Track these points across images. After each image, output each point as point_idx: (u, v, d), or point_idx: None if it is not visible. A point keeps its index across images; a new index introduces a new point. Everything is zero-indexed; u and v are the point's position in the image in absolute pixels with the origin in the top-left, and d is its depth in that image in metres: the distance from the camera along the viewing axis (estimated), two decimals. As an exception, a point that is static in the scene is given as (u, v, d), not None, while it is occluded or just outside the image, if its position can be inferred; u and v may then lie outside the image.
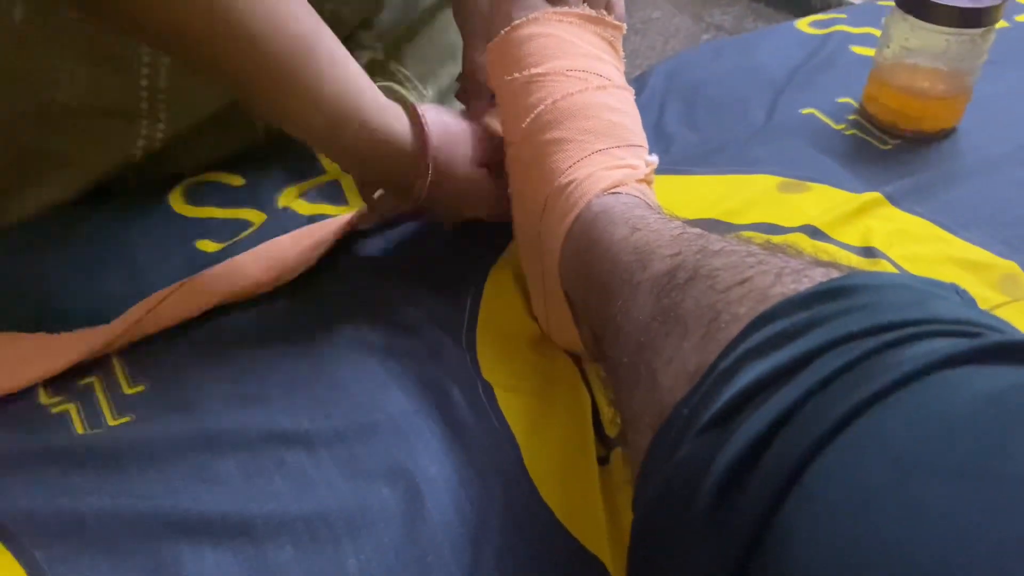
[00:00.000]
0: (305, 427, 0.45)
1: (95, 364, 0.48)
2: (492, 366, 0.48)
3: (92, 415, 0.46)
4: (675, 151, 0.65)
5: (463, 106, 0.69)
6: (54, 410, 0.46)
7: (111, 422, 0.45)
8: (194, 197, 0.60)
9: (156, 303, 0.49)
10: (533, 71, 0.49)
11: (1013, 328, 0.28)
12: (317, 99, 0.45)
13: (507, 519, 0.41)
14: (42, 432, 0.45)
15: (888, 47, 0.65)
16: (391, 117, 0.49)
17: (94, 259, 0.55)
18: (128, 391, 0.47)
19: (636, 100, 0.52)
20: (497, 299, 0.53)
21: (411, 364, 0.48)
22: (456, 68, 0.73)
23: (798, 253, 0.35)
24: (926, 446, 0.23)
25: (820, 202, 0.60)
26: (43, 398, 0.46)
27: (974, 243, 0.57)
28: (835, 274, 0.31)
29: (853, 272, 0.31)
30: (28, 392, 0.47)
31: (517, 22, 0.50)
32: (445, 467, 0.43)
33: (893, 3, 0.64)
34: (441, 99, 0.72)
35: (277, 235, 0.55)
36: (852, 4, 0.87)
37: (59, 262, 0.55)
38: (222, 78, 0.45)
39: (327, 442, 0.44)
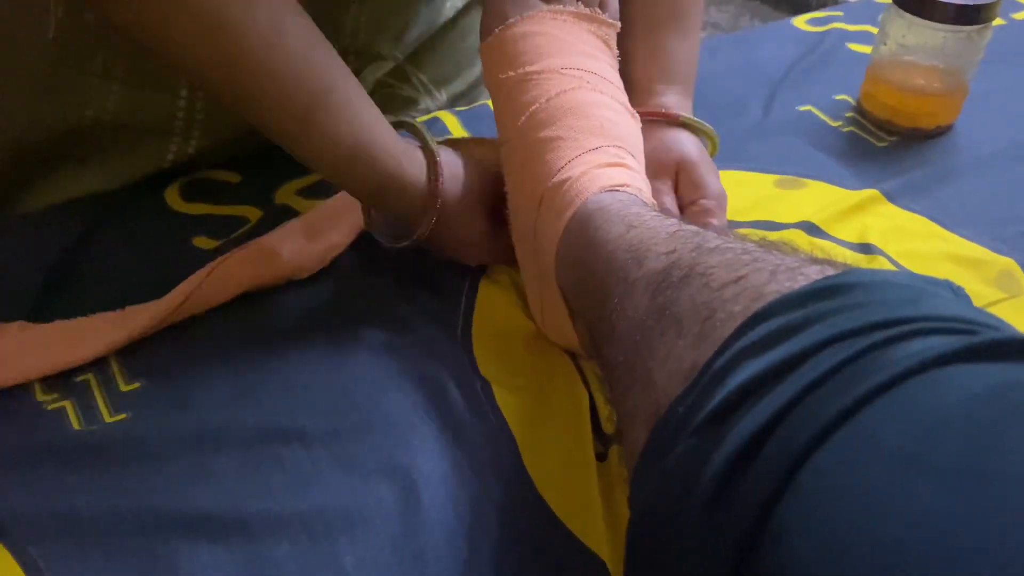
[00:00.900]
0: (302, 424, 0.45)
1: (91, 361, 0.48)
2: (489, 363, 0.48)
3: (88, 412, 0.45)
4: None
5: (466, 107, 0.69)
6: (50, 407, 0.46)
7: (107, 419, 0.45)
8: (191, 194, 0.60)
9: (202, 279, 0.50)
10: (527, 69, 0.49)
11: (1008, 325, 0.28)
12: (333, 142, 0.46)
13: (504, 516, 0.41)
14: (38, 429, 0.45)
15: (885, 44, 0.66)
16: (405, 162, 0.49)
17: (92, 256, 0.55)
18: (124, 388, 0.47)
19: (632, 98, 0.52)
20: (493, 296, 0.53)
21: (408, 361, 0.48)
22: (472, 73, 0.74)
23: (793, 251, 0.34)
24: (920, 444, 0.23)
25: (817, 199, 0.60)
26: (39, 395, 0.46)
27: (971, 240, 0.57)
28: (830, 272, 0.31)
29: (848, 270, 0.31)
30: (24, 388, 0.47)
31: (511, 21, 0.50)
32: (442, 464, 0.43)
33: (890, 0, 0.64)
34: (454, 104, 0.72)
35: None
36: (849, 2, 0.87)
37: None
38: (244, 116, 0.46)
39: (324, 439, 0.44)
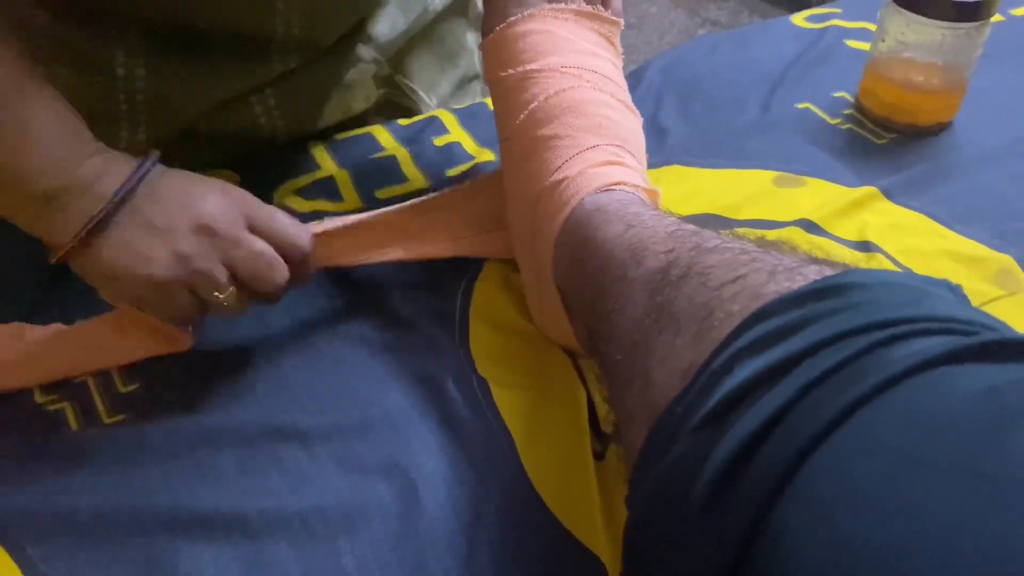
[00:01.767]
0: (301, 423, 0.45)
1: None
2: (487, 362, 0.48)
3: (87, 413, 0.45)
4: (671, 145, 0.65)
5: (461, 105, 0.69)
6: (49, 408, 0.46)
7: (106, 420, 0.45)
8: (189, 194, 0.60)
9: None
10: (527, 67, 0.49)
11: (1006, 326, 0.28)
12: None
13: (503, 515, 0.41)
14: (37, 430, 0.45)
15: (883, 41, 0.65)
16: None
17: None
18: (123, 390, 0.47)
19: (632, 95, 0.52)
20: (490, 295, 0.53)
21: (407, 360, 0.48)
22: (455, 74, 0.74)
23: (792, 250, 0.34)
24: (920, 444, 0.23)
25: (815, 196, 0.60)
26: (38, 396, 0.46)
27: (970, 237, 0.57)
28: (829, 272, 0.31)
29: (847, 270, 0.31)
30: (23, 390, 0.47)
31: (513, 19, 0.50)
32: (441, 463, 0.43)
33: (888, -3, 0.64)
34: (441, 106, 0.72)
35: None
36: (848, -2, 0.86)
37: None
38: None
39: (323, 438, 0.44)
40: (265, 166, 0.63)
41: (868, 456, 0.23)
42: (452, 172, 0.63)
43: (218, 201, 0.44)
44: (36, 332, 0.48)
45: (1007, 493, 0.21)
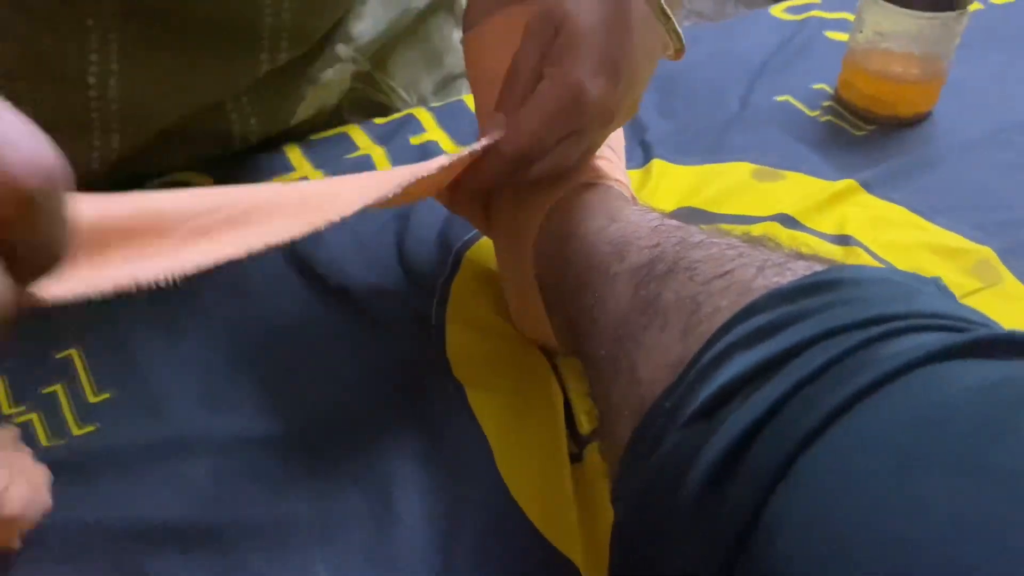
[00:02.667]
0: (275, 431, 0.44)
1: (59, 370, 0.47)
2: (463, 365, 0.48)
3: (56, 425, 0.45)
4: (650, 139, 0.64)
5: (440, 104, 0.69)
6: (17, 420, 0.45)
7: (75, 432, 0.44)
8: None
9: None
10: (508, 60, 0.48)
11: (997, 324, 0.28)
12: None
13: (479, 521, 0.40)
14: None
15: (861, 32, 0.65)
16: None
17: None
18: (93, 400, 0.46)
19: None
20: (466, 295, 0.52)
21: (383, 366, 0.48)
22: (440, 72, 0.73)
23: (778, 246, 0.34)
24: (919, 439, 0.23)
25: (794, 190, 0.60)
26: (6, 407, 0.46)
27: (949, 229, 0.56)
28: (817, 268, 0.30)
29: (836, 266, 0.31)
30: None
31: (495, 14, 0.49)
32: (416, 470, 0.43)
33: (866, -13, 0.64)
34: (421, 104, 0.71)
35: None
36: (828, -12, 0.86)
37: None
38: None
39: (297, 446, 0.44)
40: (239, 169, 0.62)
41: (868, 451, 0.23)
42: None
43: None
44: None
45: (1008, 488, 0.21)
